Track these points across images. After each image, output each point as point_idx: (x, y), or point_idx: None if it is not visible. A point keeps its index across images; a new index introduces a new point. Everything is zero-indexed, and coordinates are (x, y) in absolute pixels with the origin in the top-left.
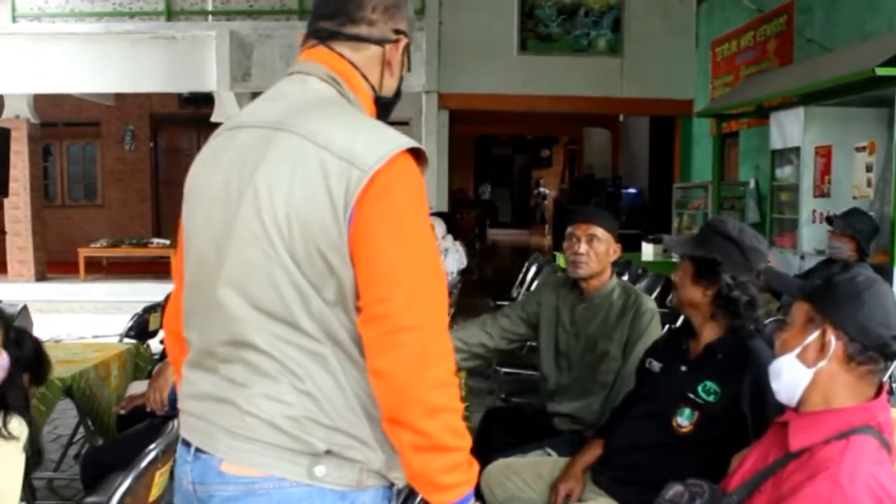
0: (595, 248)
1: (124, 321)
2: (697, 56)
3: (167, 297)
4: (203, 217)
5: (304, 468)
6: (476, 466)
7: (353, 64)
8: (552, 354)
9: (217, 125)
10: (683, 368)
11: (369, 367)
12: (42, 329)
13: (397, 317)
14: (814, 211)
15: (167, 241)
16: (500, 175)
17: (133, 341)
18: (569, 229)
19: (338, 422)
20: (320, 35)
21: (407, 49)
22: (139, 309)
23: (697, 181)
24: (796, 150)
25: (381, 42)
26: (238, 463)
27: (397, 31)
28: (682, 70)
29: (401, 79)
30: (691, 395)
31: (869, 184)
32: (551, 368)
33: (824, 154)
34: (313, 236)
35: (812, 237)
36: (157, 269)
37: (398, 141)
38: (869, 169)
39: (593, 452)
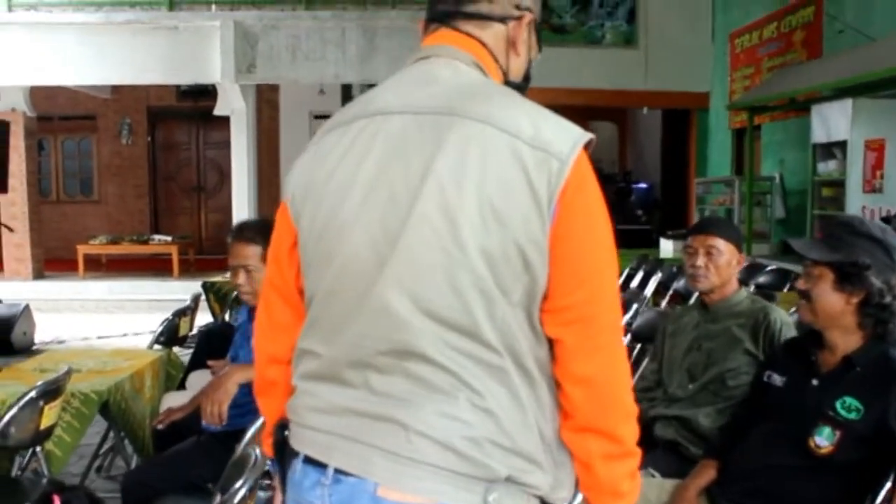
0: (715, 261)
1: (128, 320)
2: (714, 48)
3: (196, 298)
4: (349, 216)
5: (478, 496)
6: (639, 473)
7: (483, 44)
8: (673, 366)
9: (219, 119)
10: (815, 383)
11: (569, 374)
12: (43, 329)
13: (603, 319)
14: (863, 207)
15: (168, 238)
16: None
17: (161, 348)
18: (687, 240)
19: (518, 443)
20: (440, 17)
21: (534, 27)
22: (168, 313)
23: (721, 176)
24: (842, 143)
25: (503, 19)
26: (400, 489)
27: (519, 7)
28: (698, 62)
29: (529, 61)
30: (830, 413)
31: None
32: (671, 378)
33: (876, 148)
34: (512, 230)
35: None
36: (158, 266)
37: (577, 129)
38: None
39: (707, 475)
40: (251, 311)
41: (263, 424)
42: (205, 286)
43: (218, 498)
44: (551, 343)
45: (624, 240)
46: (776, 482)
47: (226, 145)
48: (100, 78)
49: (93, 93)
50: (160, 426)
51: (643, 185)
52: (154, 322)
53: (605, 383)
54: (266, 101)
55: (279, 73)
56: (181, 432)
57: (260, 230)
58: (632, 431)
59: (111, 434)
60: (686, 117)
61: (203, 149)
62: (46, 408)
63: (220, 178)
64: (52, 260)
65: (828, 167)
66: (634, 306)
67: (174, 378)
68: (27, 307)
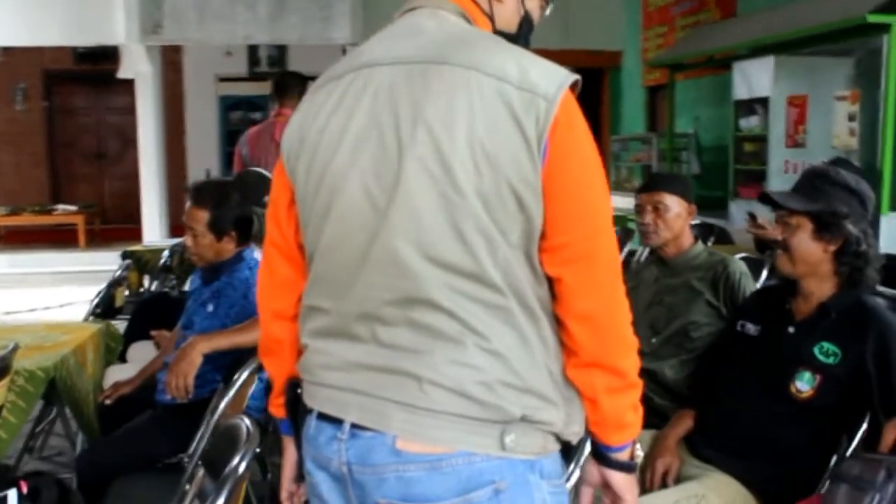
0: (663, 216)
1: (33, 295)
2: (626, 7)
3: (128, 268)
4: (342, 168)
5: (494, 439)
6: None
7: None
8: (636, 321)
9: (121, 83)
10: (791, 330)
11: (572, 311)
12: None
13: (601, 255)
14: (786, 161)
15: (73, 208)
16: None
17: (96, 320)
18: (637, 198)
19: (528, 381)
20: None
21: None
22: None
23: (638, 133)
24: (764, 100)
25: None
26: (419, 439)
27: None
28: (610, 22)
29: (526, 12)
30: (809, 359)
31: (852, 133)
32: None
33: (798, 104)
34: (504, 171)
35: (784, 187)
36: (61, 237)
37: (563, 71)
38: (852, 118)
39: (685, 424)
40: (206, 276)
41: (270, 386)
42: (125, 255)
43: (200, 472)
44: (551, 282)
45: None
46: (758, 427)
47: (128, 110)
48: None
49: None
50: (108, 401)
51: None
52: (62, 295)
53: (606, 319)
54: (169, 63)
55: (187, 33)
56: (127, 407)
57: (213, 195)
58: (633, 364)
59: (45, 413)
60: (599, 76)
61: (104, 114)
62: None
63: (122, 145)
64: None
65: (749, 123)
66: None
67: (113, 351)
68: None
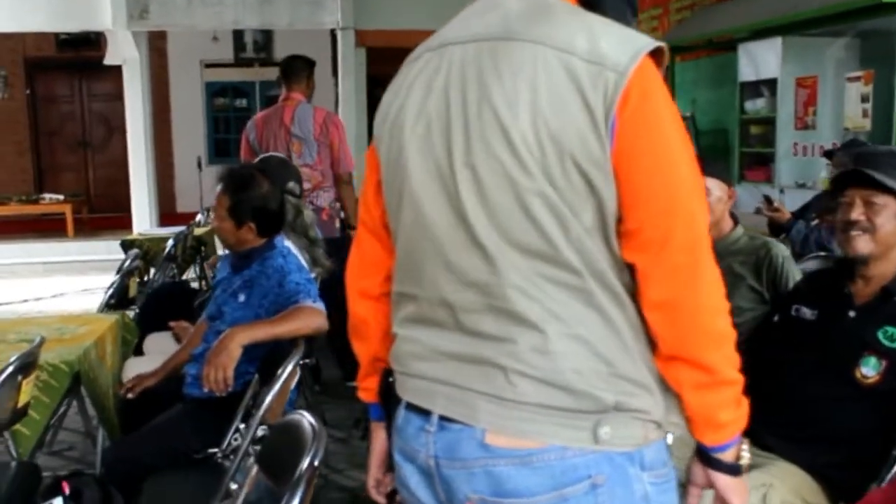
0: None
1: (23, 286)
2: None
3: (136, 257)
4: (416, 150)
5: (588, 432)
6: (746, 402)
7: None
8: None
9: (104, 69)
10: (852, 314)
11: (646, 300)
12: None
13: (678, 238)
14: (795, 143)
15: (60, 197)
16: None
17: (109, 311)
18: None
19: (618, 367)
20: None
21: None
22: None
23: None
24: (771, 81)
25: None
26: (508, 433)
27: None
28: None
29: None
30: (874, 343)
31: (865, 115)
32: None
33: (808, 85)
34: (569, 150)
35: (792, 170)
36: (48, 227)
37: (642, 39)
38: (864, 99)
39: None
40: (236, 264)
41: (357, 368)
42: (124, 245)
43: (254, 470)
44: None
45: None
46: (820, 414)
47: (112, 97)
48: None
49: None
50: (130, 395)
51: None
52: (53, 286)
53: (684, 308)
54: (154, 49)
55: (174, 18)
56: (149, 401)
57: (237, 181)
58: (724, 358)
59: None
60: None
61: (87, 101)
62: (24, 383)
63: (107, 133)
64: None
65: (755, 105)
66: None
67: (129, 343)
68: None
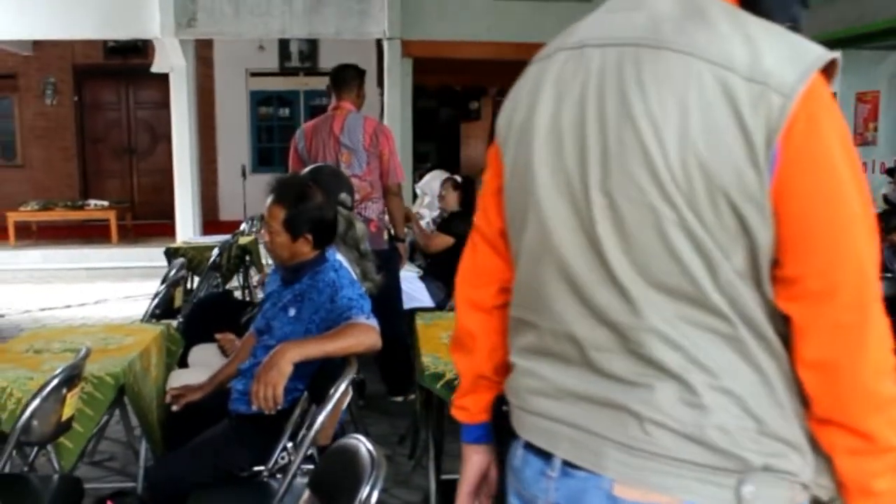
0: None
1: (67, 291)
2: None
3: (181, 267)
4: (545, 165)
5: (730, 490)
6: None
7: None
8: None
9: (150, 77)
10: None
11: (801, 356)
12: None
13: (845, 293)
14: None
15: (105, 203)
16: (425, 128)
17: (154, 322)
18: None
19: (769, 425)
20: None
21: None
22: (158, 283)
23: None
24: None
25: None
26: (639, 486)
27: None
28: None
29: None
30: None
31: None
32: None
33: (868, 100)
34: (721, 184)
35: None
36: (92, 232)
37: (812, 51)
38: None
39: None
40: (286, 278)
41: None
42: (167, 253)
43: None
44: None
45: None
46: None
47: (158, 105)
48: (23, 32)
49: (12, 49)
50: (175, 407)
51: None
52: (96, 292)
53: (844, 371)
54: (200, 57)
55: (221, 27)
56: (193, 415)
57: (292, 192)
58: (886, 423)
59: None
60: None
61: (133, 109)
62: (68, 396)
63: (152, 140)
64: None
65: None
66: None
67: (174, 354)
68: None
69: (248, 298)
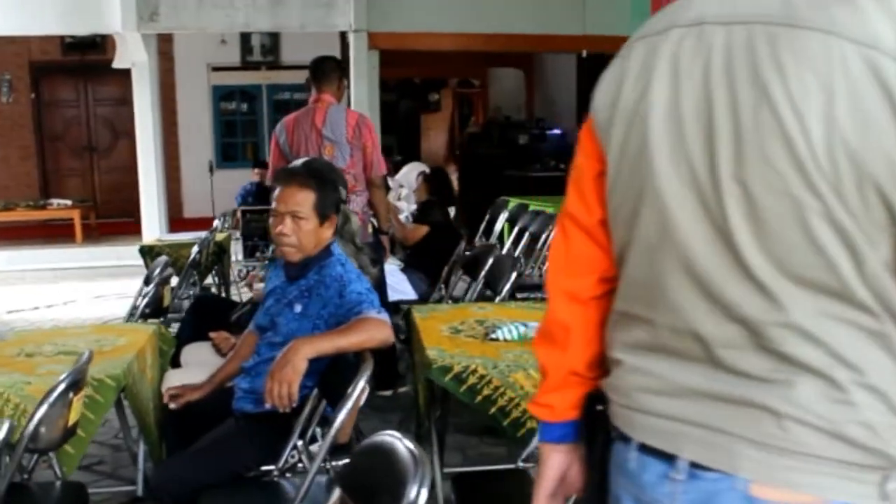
0: None
1: (35, 292)
2: None
3: (166, 265)
4: (665, 150)
5: (874, 487)
6: None
7: None
8: None
9: (110, 73)
10: None
11: None
12: None
13: None
14: None
15: (68, 202)
16: (385, 121)
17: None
18: None
19: None
20: None
21: None
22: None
23: None
24: None
25: None
26: (778, 485)
27: None
28: (618, 5)
29: None
30: None
31: None
32: None
33: None
34: (871, 172)
35: None
36: (54, 232)
37: None
38: None
39: None
40: (291, 273)
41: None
42: (142, 251)
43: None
44: None
45: (539, 186)
46: None
47: (117, 101)
48: None
49: None
50: (174, 405)
51: (557, 132)
52: (64, 293)
53: None
54: (161, 52)
55: (185, 21)
56: (193, 416)
57: (314, 175)
58: None
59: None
60: (603, 62)
61: (93, 106)
62: (74, 400)
63: (112, 137)
64: None
65: None
66: None
67: (166, 354)
68: None
69: (223, 295)
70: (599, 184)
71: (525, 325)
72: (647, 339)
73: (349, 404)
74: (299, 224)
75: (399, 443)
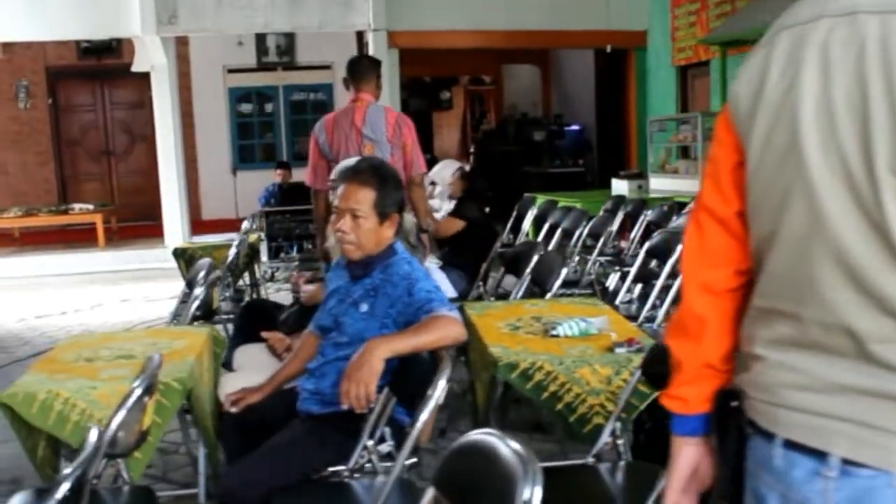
0: None
1: (61, 297)
2: None
3: (211, 267)
4: (816, 142)
5: None
6: None
7: None
8: None
9: (126, 77)
10: None
11: None
12: None
13: None
14: None
15: (90, 206)
16: None
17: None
18: None
19: None
20: None
21: None
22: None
23: (677, 114)
24: None
25: None
26: None
27: None
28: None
29: None
30: None
31: None
32: None
33: None
34: None
35: None
36: (76, 237)
37: None
38: None
39: None
40: (355, 272)
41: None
42: (175, 253)
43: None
44: None
45: (557, 182)
46: None
47: (134, 105)
48: None
49: None
50: (234, 409)
51: (575, 128)
52: (90, 297)
53: None
54: (178, 55)
55: (203, 23)
56: (255, 418)
57: (375, 173)
58: None
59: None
60: (622, 57)
61: (110, 109)
62: (148, 405)
63: (130, 141)
64: None
65: None
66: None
67: (219, 357)
68: None
69: (255, 296)
70: (738, 175)
71: (585, 321)
72: (792, 335)
73: (431, 404)
74: (358, 222)
75: (500, 442)
